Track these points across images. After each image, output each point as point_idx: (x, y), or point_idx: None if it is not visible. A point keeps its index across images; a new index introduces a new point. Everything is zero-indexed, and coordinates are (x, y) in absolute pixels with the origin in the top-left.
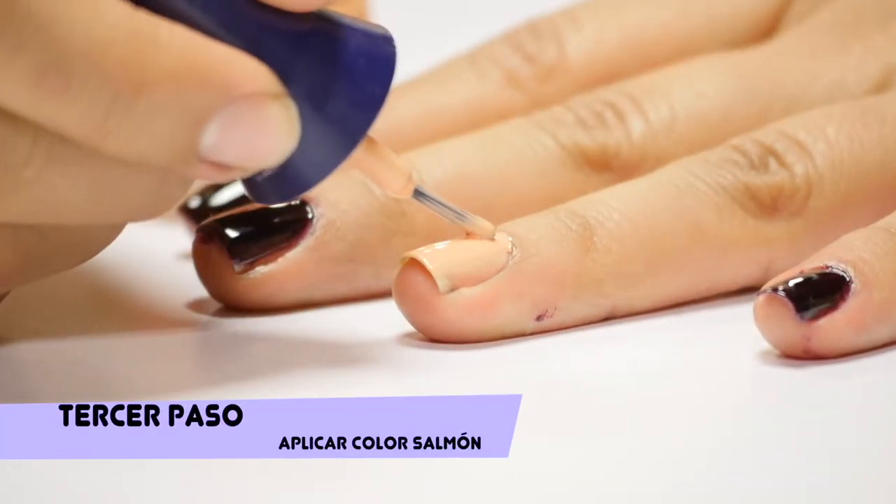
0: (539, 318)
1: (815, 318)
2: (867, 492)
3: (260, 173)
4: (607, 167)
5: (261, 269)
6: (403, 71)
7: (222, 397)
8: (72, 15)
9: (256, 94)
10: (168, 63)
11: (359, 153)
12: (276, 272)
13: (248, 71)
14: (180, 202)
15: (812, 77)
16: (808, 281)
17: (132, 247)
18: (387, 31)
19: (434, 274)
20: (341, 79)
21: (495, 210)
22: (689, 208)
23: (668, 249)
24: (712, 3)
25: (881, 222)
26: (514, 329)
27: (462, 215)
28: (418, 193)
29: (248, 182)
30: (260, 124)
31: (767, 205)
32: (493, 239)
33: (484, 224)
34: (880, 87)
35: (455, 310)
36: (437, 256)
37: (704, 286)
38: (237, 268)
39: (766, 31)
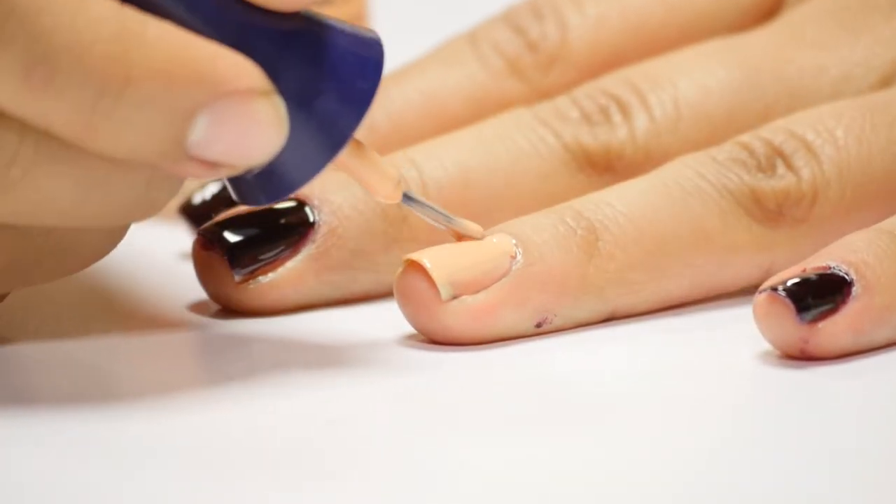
0: (539, 324)
1: (816, 320)
2: (867, 492)
3: (247, 172)
4: (610, 168)
5: (261, 280)
6: (403, 53)
7: (222, 398)
8: (57, 9)
9: (245, 91)
10: (155, 58)
11: (346, 156)
12: (276, 281)
13: (236, 67)
14: (182, 202)
15: (818, 70)
16: (809, 281)
17: (133, 247)
18: (375, 33)
19: (437, 281)
20: (328, 78)
21: (496, 211)
22: (694, 213)
23: (671, 256)
24: None
25: (884, 224)
26: (514, 334)
27: (451, 219)
28: (407, 198)
29: (235, 182)
30: (248, 121)
31: (772, 210)
32: (479, 238)
33: (473, 227)
34: (887, 81)
35: (456, 318)
36: (440, 261)
37: (705, 290)
38: (237, 277)
39: (770, 9)
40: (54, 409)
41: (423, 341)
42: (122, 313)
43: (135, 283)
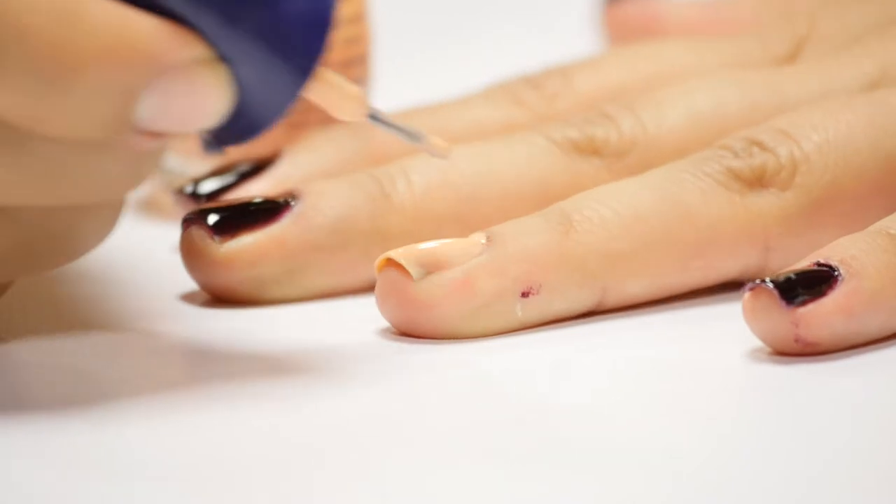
0: (525, 294)
1: (803, 304)
2: (865, 491)
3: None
4: (596, 153)
5: (244, 239)
6: (403, 53)
7: (216, 394)
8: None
9: (187, 62)
10: (96, 42)
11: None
12: (259, 242)
13: (176, 39)
14: (175, 187)
15: (807, 76)
16: (794, 276)
17: (130, 245)
18: None
19: (405, 263)
20: (284, 16)
21: (482, 202)
22: (671, 192)
23: (653, 227)
24: (722, 49)
25: (874, 226)
26: (501, 312)
27: (417, 136)
28: (372, 117)
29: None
30: (192, 92)
31: (752, 181)
32: (447, 156)
33: (440, 143)
34: (875, 85)
35: (431, 294)
36: (408, 250)
37: (700, 265)
38: (218, 240)
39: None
40: (52, 409)
41: (414, 341)
42: (120, 310)
43: (131, 279)
